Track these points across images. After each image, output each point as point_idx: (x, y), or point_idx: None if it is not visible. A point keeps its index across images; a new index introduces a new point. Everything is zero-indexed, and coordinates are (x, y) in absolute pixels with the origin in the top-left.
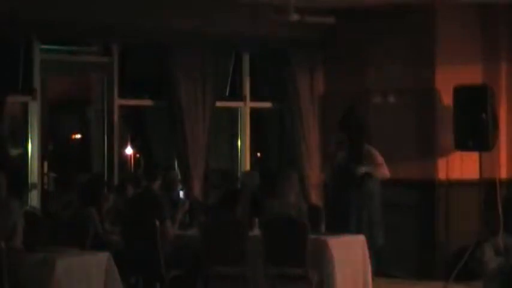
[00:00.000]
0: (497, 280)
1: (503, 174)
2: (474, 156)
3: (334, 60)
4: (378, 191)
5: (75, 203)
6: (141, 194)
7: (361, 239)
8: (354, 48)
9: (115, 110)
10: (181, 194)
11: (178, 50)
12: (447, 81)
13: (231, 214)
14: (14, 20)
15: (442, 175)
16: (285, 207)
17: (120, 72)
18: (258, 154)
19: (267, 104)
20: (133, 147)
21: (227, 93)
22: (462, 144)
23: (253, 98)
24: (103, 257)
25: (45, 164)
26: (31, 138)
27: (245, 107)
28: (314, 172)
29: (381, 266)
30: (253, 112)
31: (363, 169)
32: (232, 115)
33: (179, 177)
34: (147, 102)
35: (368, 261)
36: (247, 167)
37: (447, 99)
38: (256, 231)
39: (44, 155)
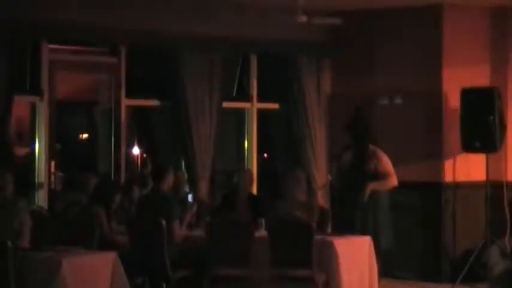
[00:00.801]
0: (503, 282)
1: (510, 176)
2: (481, 158)
3: (342, 62)
4: (384, 192)
5: (81, 202)
6: (149, 195)
7: (367, 240)
8: (361, 49)
9: (122, 110)
10: (189, 197)
11: (186, 51)
12: (455, 83)
13: (236, 215)
14: (22, 21)
15: (448, 177)
16: (293, 207)
17: (127, 72)
18: (265, 155)
19: (274, 105)
20: (140, 147)
21: (234, 94)
22: (469, 146)
23: (261, 99)
24: (109, 257)
25: (53, 164)
26: (38, 138)
27: (252, 108)
28: (320, 173)
29: (387, 268)
30: (260, 113)
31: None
32: (239, 116)
33: (186, 177)
34: (154, 102)
35: (374, 262)
36: (254, 167)
37: (454, 101)
38: (262, 232)
39: (51, 154)
